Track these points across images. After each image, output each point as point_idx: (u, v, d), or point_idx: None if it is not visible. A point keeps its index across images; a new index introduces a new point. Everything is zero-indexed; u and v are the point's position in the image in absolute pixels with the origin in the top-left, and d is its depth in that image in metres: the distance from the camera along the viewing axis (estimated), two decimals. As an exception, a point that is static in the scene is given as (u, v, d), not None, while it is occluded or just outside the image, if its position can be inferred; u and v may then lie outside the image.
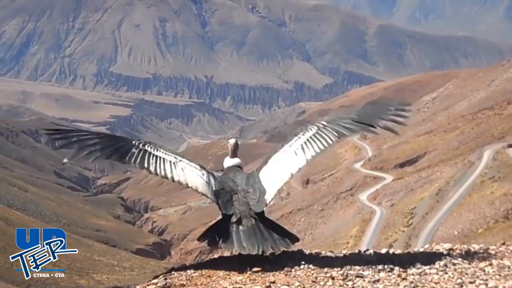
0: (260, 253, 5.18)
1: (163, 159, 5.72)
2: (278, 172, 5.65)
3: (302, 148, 5.69)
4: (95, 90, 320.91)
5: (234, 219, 5.41)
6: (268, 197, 5.56)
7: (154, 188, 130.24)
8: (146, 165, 5.61)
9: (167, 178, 5.63)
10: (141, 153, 5.70)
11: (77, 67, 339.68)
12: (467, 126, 70.48)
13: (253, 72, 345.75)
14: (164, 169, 5.65)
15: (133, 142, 5.77)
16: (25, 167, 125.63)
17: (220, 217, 5.57)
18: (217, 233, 5.45)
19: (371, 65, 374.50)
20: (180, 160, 5.76)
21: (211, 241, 5.47)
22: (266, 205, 5.51)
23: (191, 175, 5.68)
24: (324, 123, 5.81)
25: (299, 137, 5.78)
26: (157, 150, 5.79)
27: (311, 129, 5.80)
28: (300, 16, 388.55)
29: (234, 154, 6.06)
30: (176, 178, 5.63)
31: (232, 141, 6.12)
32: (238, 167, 5.95)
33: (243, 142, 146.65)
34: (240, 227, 5.35)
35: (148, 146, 5.79)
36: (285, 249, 5.33)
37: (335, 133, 5.68)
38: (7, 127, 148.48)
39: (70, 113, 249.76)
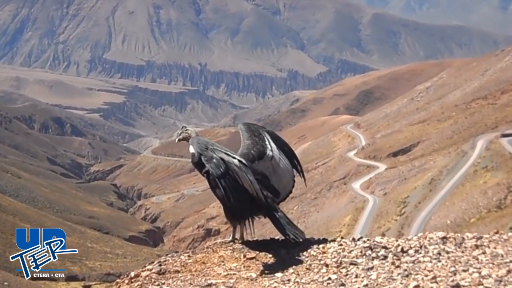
0: (300, 240, 5.05)
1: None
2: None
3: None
4: (89, 77, 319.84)
5: (271, 206, 5.17)
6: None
7: (147, 175, 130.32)
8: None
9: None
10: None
11: (71, 54, 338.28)
12: (460, 116, 70.50)
13: (247, 60, 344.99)
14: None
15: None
16: (18, 154, 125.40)
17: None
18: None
19: (365, 53, 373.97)
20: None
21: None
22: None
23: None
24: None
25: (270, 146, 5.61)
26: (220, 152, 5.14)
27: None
28: (294, 4, 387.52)
29: None
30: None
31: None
32: None
33: (236, 130, 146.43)
34: (279, 214, 5.15)
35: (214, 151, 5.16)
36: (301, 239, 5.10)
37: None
38: (1, 113, 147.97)
39: (63, 100, 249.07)
